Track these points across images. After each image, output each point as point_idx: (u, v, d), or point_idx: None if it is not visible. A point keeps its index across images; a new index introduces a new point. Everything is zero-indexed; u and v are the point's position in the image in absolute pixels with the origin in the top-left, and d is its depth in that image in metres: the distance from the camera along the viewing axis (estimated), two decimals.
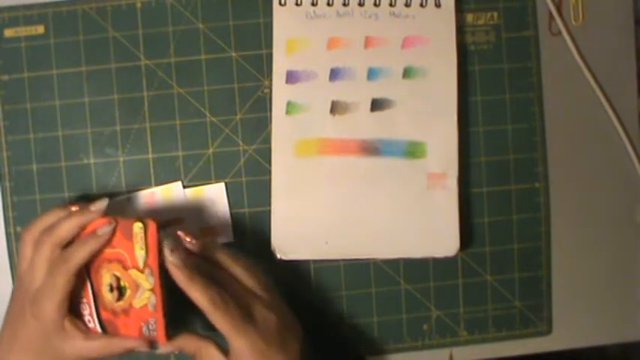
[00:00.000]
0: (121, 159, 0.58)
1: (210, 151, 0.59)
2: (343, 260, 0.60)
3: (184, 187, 0.58)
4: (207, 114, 0.58)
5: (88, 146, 0.58)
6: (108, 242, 0.50)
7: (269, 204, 0.58)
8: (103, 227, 0.50)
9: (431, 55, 0.58)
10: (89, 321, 0.51)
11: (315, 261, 0.59)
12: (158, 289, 0.49)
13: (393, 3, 0.58)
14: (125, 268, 0.50)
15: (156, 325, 0.49)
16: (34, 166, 0.58)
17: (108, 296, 0.50)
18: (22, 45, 0.58)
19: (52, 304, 0.48)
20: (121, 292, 0.50)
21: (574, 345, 0.62)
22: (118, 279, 0.50)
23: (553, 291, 0.61)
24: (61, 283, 0.48)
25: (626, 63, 0.62)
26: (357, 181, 0.58)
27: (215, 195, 0.58)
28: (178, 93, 0.58)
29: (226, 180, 0.59)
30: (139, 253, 0.49)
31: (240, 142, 0.59)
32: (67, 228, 0.50)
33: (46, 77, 0.58)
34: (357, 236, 0.58)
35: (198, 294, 0.48)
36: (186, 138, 0.58)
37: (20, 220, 0.58)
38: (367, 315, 0.60)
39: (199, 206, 0.58)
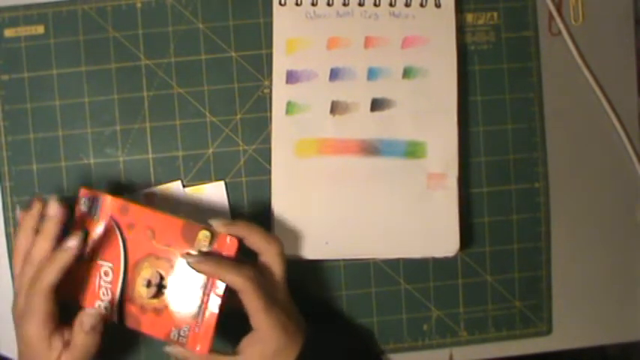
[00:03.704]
0: (121, 159, 0.58)
1: (210, 151, 0.59)
2: (343, 260, 0.60)
3: (184, 186, 0.58)
4: (207, 114, 0.58)
5: (88, 146, 0.58)
6: (82, 253, 0.50)
7: (269, 204, 0.58)
8: (71, 240, 0.49)
9: (431, 55, 0.58)
10: (106, 308, 0.51)
11: (315, 261, 0.59)
12: (219, 303, 0.50)
13: (393, 3, 0.58)
14: (174, 269, 0.51)
15: (188, 332, 0.50)
16: (34, 166, 0.58)
17: (141, 290, 0.51)
18: (22, 45, 0.58)
19: (33, 325, 0.48)
20: (159, 290, 0.51)
21: (574, 345, 0.62)
22: (161, 277, 0.51)
23: (553, 291, 0.61)
24: (38, 303, 0.48)
25: (626, 63, 0.62)
26: (357, 181, 0.58)
27: (215, 194, 0.58)
28: (178, 93, 0.58)
29: (226, 180, 0.59)
30: None
31: (240, 142, 0.59)
32: (52, 276, 0.49)
33: (46, 77, 0.58)
34: (357, 236, 0.58)
35: (232, 276, 0.49)
36: (186, 138, 0.58)
37: None
38: (367, 315, 0.60)
39: (199, 205, 0.58)
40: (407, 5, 0.58)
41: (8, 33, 0.58)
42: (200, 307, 0.50)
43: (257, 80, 0.59)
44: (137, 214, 0.51)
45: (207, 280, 0.50)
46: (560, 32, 0.60)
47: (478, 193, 0.60)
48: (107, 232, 0.52)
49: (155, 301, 0.51)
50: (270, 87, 0.58)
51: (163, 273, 0.51)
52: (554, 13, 0.60)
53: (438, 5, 0.58)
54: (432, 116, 0.58)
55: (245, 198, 0.59)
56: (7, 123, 0.58)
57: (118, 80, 0.58)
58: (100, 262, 0.52)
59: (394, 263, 0.60)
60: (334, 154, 0.58)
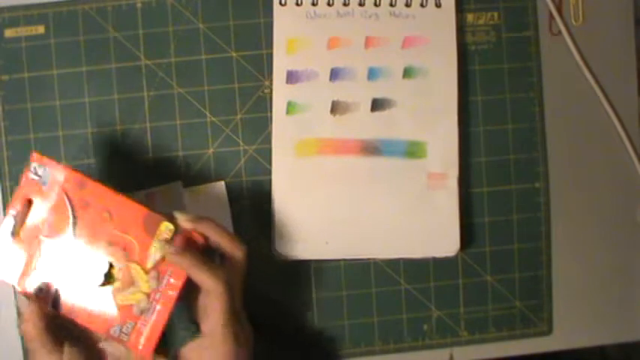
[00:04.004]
0: (121, 159, 0.58)
1: (211, 151, 0.59)
2: (343, 260, 0.60)
3: (184, 186, 0.58)
4: (208, 114, 0.58)
5: (88, 146, 0.58)
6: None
7: (269, 204, 0.58)
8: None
9: (431, 55, 0.58)
10: (41, 290, 0.47)
11: (315, 261, 0.59)
12: (175, 297, 0.47)
13: (393, 3, 0.58)
14: (128, 259, 0.47)
15: (131, 330, 0.46)
16: None
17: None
18: (22, 45, 0.58)
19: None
20: (106, 279, 0.47)
21: (574, 345, 0.62)
22: (110, 265, 0.47)
23: (553, 291, 0.61)
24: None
25: (626, 63, 0.62)
26: (357, 181, 0.58)
27: (215, 194, 0.58)
28: (178, 93, 0.58)
29: (226, 180, 0.59)
30: (153, 254, 0.47)
31: (241, 142, 0.59)
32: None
33: (46, 77, 0.58)
34: (357, 236, 0.58)
35: (208, 277, 0.46)
36: (186, 138, 0.58)
37: None
38: (367, 315, 0.60)
39: (199, 206, 0.58)
40: (407, 5, 0.58)
41: (8, 33, 0.58)
42: (150, 304, 0.47)
43: (257, 80, 0.59)
44: (95, 192, 0.47)
45: (162, 276, 0.47)
46: (560, 32, 0.60)
47: (478, 193, 0.60)
48: (56, 207, 0.47)
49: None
50: (270, 87, 0.58)
51: (114, 261, 0.47)
52: (555, 13, 0.60)
53: (438, 5, 0.58)
54: (432, 116, 0.58)
55: (245, 198, 0.59)
56: (7, 123, 0.58)
57: (118, 80, 0.58)
58: (41, 237, 0.47)
59: (394, 263, 0.60)
60: (334, 154, 0.58)
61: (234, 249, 0.50)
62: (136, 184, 0.58)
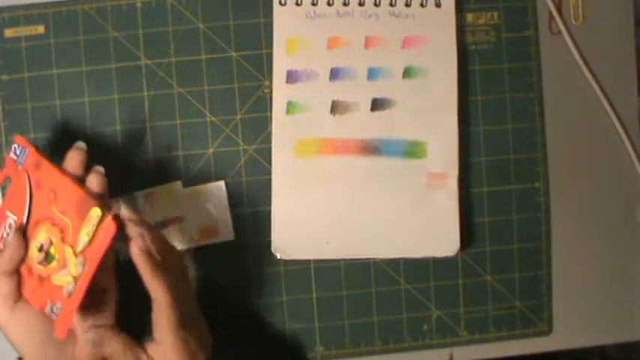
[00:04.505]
0: (121, 159, 0.58)
1: (210, 151, 0.59)
2: (343, 260, 0.60)
3: (184, 186, 0.58)
4: (208, 114, 0.58)
5: (88, 146, 0.58)
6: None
7: (269, 204, 0.58)
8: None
9: (431, 55, 0.58)
10: None
11: (315, 261, 0.59)
12: (85, 283, 0.45)
13: (393, 3, 0.58)
14: (63, 240, 0.47)
15: (60, 311, 0.47)
16: None
17: (33, 253, 0.48)
18: (22, 45, 0.58)
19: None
20: (47, 258, 0.47)
21: (574, 345, 0.62)
22: (51, 245, 0.47)
23: (553, 291, 0.61)
24: None
25: (626, 63, 0.62)
26: (357, 181, 0.58)
27: (215, 194, 0.58)
28: (178, 93, 0.58)
29: (226, 180, 0.59)
30: (83, 239, 0.46)
31: (241, 142, 0.59)
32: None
33: (46, 77, 0.58)
34: (357, 236, 0.58)
35: (159, 284, 0.46)
36: (186, 138, 0.58)
37: None
38: (367, 315, 0.60)
39: (199, 206, 0.58)
40: (407, 5, 0.58)
41: (8, 33, 0.58)
42: (74, 286, 0.46)
43: (257, 80, 0.59)
44: (47, 172, 0.48)
45: (86, 260, 0.45)
46: (560, 32, 0.60)
47: (478, 193, 0.60)
48: (20, 185, 0.49)
49: (41, 267, 0.47)
50: (270, 87, 0.58)
51: (55, 241, 0.47)
52: (554, 13, 0.60)
53: (438, 5, 0.58)
54: (432, 116, 0.58)
55: (245, 198, 0.59)
56: (7, 123, 0.58)
57: (118, 80, 0.58)
58: (7, 212, 0.49)
59: (394, 263, 0.60)
60: (334, 154, 0.58)
61: (173, 254, 0.49)
62: (136, 184, 0.58)
